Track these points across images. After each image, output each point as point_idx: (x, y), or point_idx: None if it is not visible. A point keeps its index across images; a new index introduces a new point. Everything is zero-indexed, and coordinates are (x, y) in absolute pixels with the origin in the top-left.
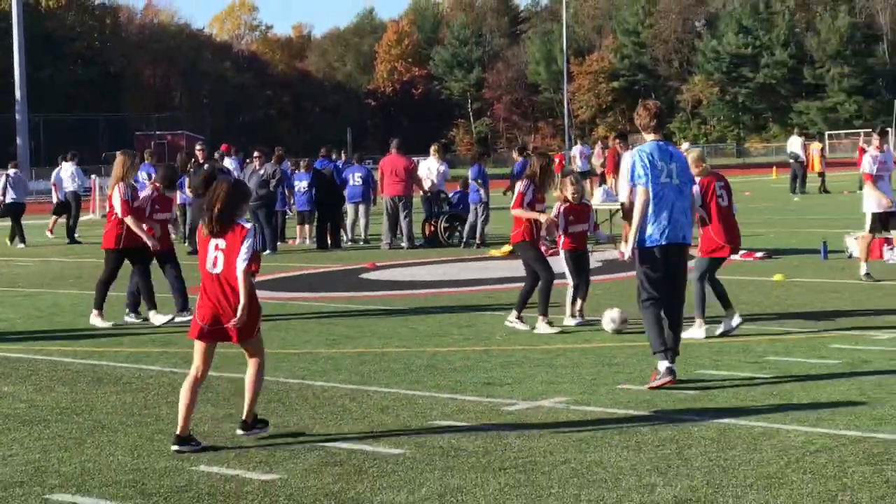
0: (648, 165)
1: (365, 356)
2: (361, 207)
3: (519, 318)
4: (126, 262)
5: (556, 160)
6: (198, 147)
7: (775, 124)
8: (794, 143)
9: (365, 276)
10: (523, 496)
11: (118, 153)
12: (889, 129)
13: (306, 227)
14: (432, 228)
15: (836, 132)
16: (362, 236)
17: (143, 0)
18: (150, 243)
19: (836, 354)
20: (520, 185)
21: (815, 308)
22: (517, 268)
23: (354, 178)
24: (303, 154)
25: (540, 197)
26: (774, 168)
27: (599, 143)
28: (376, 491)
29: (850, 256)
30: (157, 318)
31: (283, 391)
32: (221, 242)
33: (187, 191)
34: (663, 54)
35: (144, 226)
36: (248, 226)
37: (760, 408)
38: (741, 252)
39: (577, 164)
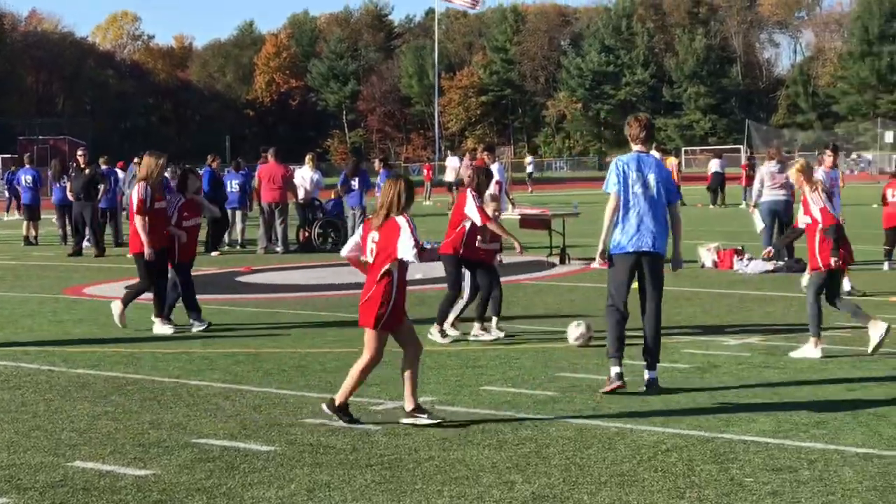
0: (623, 174)
1: (238, 356)
2: (238, 213)
3: (497, 327)
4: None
5: (426, 171)
6: (79, 152)
7: None
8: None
9: (241, 278)
10: (388, 492)
11: (145, 155)
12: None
13: None
14: (306, 234)
15: (692, 148)
16: (239, 240)
17: (28, 8)
18: (146, 251)
19: (688, 359)
20: (474, 200)
21: (668, 314)
22: None
23: (232, 185)
24: (186, 161)
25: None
26: None
27: (467, 154)
28: (247, 486)
29: (703, 266)
30: (160, 328)
31: (159, 390)
32: (376, 235)
33: (69, 194)
34: (530, 71)
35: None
36: (401, 219)
37: (616, 409)
38: (601, 262)
39: (450, 176)
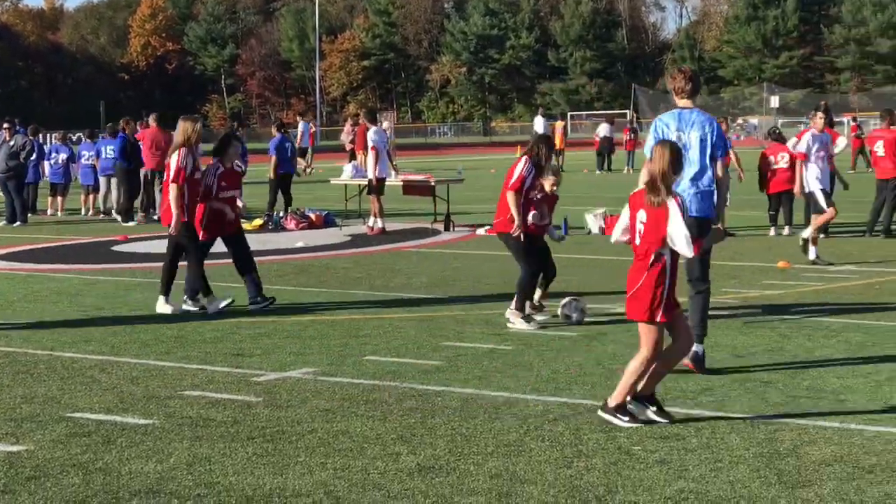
0: (661, 136)
1: (115, 327)
2: (114, 180)
3: (524, 316)
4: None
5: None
6: None
7: (520, 104)
8: (539, 123)
9: (117, 248)
10: (271, 465)
11: (180, 119)
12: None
13: (59, 198)
14: None
15: (578, 113)
16: (114, 208)
17: None
18: (172, 228)
19: (575, 327)
20: (521, 168)
21: (555, 282)
22: (267, 241)
23: (107, 151)
24: (57, 126)
25: (538, 184)
26: (519, 147)
27: (349, 120)
28: (125, 461)
29: (590, 233)
30: (212, 304)
31: (32, 362)
32: (644, 215)
33: None
34: (413, 34)
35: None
36: (672, 203)
37: (502, 378)
38: (486, 228)
39: (300, 142)
